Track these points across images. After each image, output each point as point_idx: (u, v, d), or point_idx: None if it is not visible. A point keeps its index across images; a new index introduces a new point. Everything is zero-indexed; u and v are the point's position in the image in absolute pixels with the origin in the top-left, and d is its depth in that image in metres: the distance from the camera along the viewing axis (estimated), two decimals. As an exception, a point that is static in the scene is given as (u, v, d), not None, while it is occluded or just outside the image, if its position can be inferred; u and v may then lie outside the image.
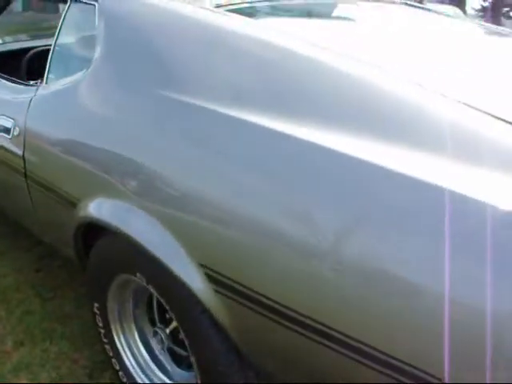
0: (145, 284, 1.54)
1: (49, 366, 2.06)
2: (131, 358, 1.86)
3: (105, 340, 1.88)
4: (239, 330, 1.32)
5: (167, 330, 1.71)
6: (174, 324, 1.68)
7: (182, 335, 1.66)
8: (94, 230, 1.73)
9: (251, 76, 1.46)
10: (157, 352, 1.86)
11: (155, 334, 1.76)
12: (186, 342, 1.48)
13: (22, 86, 2.17)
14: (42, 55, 2.85)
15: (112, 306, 1.82)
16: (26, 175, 1.98)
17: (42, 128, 1.90)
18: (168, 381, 1.81)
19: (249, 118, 1.30)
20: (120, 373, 1.87)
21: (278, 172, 1.21)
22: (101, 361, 2.08)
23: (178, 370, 1.80)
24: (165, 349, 1.77)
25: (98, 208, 1.59)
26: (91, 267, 1.78)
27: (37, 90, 2.01)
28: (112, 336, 1.86)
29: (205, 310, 1.38)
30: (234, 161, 1.30)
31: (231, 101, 1.39)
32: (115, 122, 1.62)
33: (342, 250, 1.09)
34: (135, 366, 1.85)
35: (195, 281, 1.34)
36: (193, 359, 1.49)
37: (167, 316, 1.72)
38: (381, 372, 1.05)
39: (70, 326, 2.27)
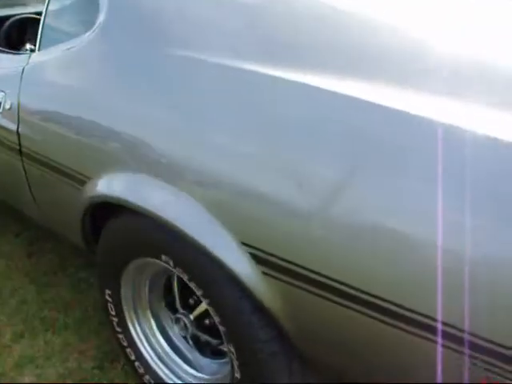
0: (170, 267, 1.40)
1: (55, 359, 1.91)
2: (148, 348, 1.72)
3: (118, 329, 1.74)
4: (290, 314, 1.20)
5: (191, 316, 1.58)
6: (200, 310, 1.55)
7: (209, 321, 1.55)
8: (105, 211, 1.57)
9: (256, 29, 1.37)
10: (176, 340, 1.73)
11: (177, 320, 1.62)
12: (222, 330, 1.35)
13: (9, 55, 1.96)
14: (22, 23, 2.64)
15: (126, 292, 1.67)
16: (21, 153, 1.79)
17: (39, 99, 1.72)
18: (190, 370, 1.68)
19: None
20: (136, 363, 1.73)
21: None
22: (110, 351, 1.94)
23: (201, 358, 1.68)
24: (188, 336, 1.64)
25: (113, 185, 1.43)
26: (102, 251, 1.63)
27: (29, 58, 1.81)
28: (126, 325, 1.72)
29: (246, 295, 1.25)
30: (274, 122, 1.17)
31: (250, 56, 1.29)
32: (130, 85, 1.45)
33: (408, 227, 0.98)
34: (153, 355, 1.72)
35: (237, 262, 1.21)
36: (230, 348, 1.36)
37: (191, 301, 1.59)
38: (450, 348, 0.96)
39: (72, 314, 2.11)
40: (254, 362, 1.33)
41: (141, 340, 1.72)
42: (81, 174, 1.55)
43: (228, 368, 1.53)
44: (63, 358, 1.91)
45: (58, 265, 2.40)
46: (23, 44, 2.48)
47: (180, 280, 1.58)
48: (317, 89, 1.14)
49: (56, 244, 2.52)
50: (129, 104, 1.43)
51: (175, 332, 1.72)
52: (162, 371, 1.70)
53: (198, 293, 1.36)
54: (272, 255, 1.16)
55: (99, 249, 1.64)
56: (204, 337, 1.59)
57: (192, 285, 1.37)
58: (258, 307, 1.27)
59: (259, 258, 1.18)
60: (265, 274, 1.19)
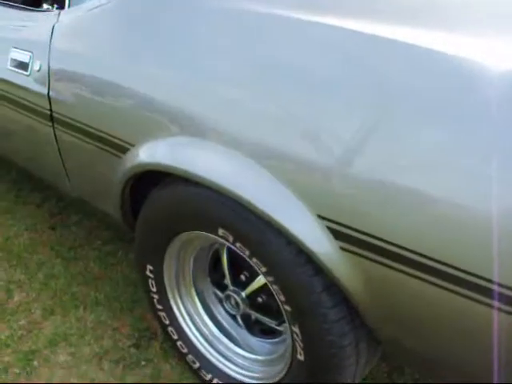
0: (228, 242, 1.29)
1: (89, 337, 1.81)
2: (192, 326, 1.63)
3: (159, 306, 1.64)
4: (368, 290, 1.10)
5: (243, 294, 1.48)
6: (253, 287, 1.45)
7: (263, 299, 1.45)
8: (148, 181, 1.45)
9: None
10: (221, 319, 1.63)
11: (227, 298, 1.52)
12: (287, 310, 1.25)
13: (34, 13, 1.81)
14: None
15: (169, 268, 1.56)
16: (52, 118, 1.66)
17: (72, 60, 1.58)
18: (239, 350, 1.59)
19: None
20: (179, 342, 1.64)
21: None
22: (145, 328, 1.85)
23: (251, 338, 1.58)
24: (238, 315, 1.54)
25: (165, 153, 1.30)
26: (145, 224, 1.51)
27: (58, 15, 1.67)
28: (168, 302, 1.62)
29: (318, 272, 1.15)
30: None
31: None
32: (178, 40, 1.32)
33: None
34: (197, 334, 1.63)
35: (313, 237, 1.10)
36: (293, 328, 1.26)
37: (242, 278, 1.48)
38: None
39: (102, 289, 2.02)
40: (320, 344, 1.23)
41: (184, 318, 1.63)
42: (123, 141, 1.43)
43: (283, 348, 1.44)
44: (97, 336, 1.82)
45: (84, 238, 2.29)
46: (39, 3, 2.32)
47: (232, 255, 1.48)
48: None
49: (80, 216, 2.41)
50: (174, 69, 1.31)
51: (222, 310, 1.63)
52: (207, 351, 1.61)
53: (261, 270, 1.25)
54: (351, 228, 1.06)
55: (140, 221, 1.53)
56: (257, 316, 1.49)
57: (254, 261, 1.26)
58: (329, 285, 1.18)
59: (337, 232, 1.08)
60: (343, 249, 1.09)
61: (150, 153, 1.35)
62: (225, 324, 1.62)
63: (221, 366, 1.58)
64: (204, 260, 1.60)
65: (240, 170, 1.16)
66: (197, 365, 1.62)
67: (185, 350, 1.63)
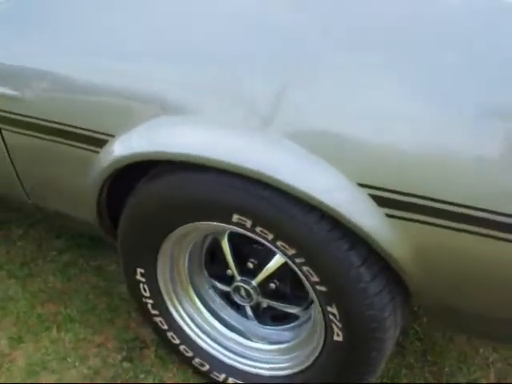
0: (244, 229, 1.16)
1: (71, 358, 1.61)
2: (195, 328, 1.49)
3: (154, 312, 1.48)
4: (415, 255, 1.03)
5: (254, 283, 1.36)
6: (265, 273, 1.33)
7: (276, 285, 1.34)
8: (128, 176, 1.29)
9: None
10: (224, 315, 1.50)
11: (236, 290, 1.39)
12: (322, 290, 1.14)
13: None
14: None
15: (164, 268, 1.41)
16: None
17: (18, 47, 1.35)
18: (251, 343, 1.47)
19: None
20: (182, 347, 1.49)
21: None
22: (132, 338, 1.68)
23: (260, 328, 1.47)
24: (250, 305, 1.41)
25: (160, 139, 1.14)
26: (132, 224, 1.34)
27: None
28: (165, 305, 1.46)
29: (354, 245, 1.07)
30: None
31: None
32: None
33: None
34: (202, 335, 1.49)
35: (354, 207, 1.01)
36: (329, 309, 1.16)
37: (250, 266, 1.36)
38: None
39: (72, 304, 1.80)
40: (361, 321, 1.15)
41: (185, 320, 1.48)
42: (100, 133, 1.24)
43: (305, 331, 1.35)
44: (81, 356, 1.62)
45: (35, 251, 2.04)
46: None
47: (234, 244, 1.35)
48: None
49: (24, 228, 2.15)
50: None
51: (225, 305, 1.50)
52: (216, 351, 1.47)
53: (288, 253, 1.14)
54: (396, 192, 0.98)
55: (125, 221, 1.35)
56: (273, 304, 1.37)
57: (279, 245, 1.14)
58: (367, 258, 1.10)
59: (381, 199, 0.99)
60: (389, 216, 1.00)
61: (139, 142, 1.18)
62: (230, 319, 1.50)
63: (235, 363, 1.45)
64: (198, 254, 1.46)
65: (266, 147, 1.04)
66: (206, 367, 1.48)
67: (190, 354, 1.49)
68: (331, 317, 1.18)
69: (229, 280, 1.41)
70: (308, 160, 1.00)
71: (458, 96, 0.92)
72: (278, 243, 1.14)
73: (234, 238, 1.35)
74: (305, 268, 1.14)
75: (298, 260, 1.14)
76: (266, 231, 1.14)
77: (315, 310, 1.25)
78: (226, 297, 1.49)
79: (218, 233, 1.36)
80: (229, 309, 1.50)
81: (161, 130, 1.14)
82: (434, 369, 1.59)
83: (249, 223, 1.15)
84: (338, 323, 1.17)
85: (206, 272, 1.47)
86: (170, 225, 1.28)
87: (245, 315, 1.48)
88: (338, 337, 1.20)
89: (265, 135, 1.03)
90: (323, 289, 1.14)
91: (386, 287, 1.14)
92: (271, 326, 1.46)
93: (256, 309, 1.44)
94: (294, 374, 1.37)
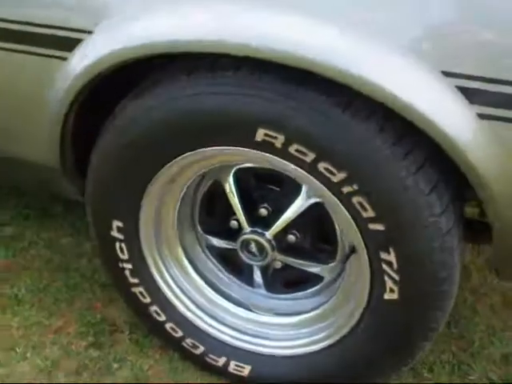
0: (271, 151, 0.87)
1: (21, 349, 1.25)
2: (185, 299, 1.17)
3: (133, 280, 1.14)
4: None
5: (268, 235, 1.06)
6: (283, 222, 1.03)
7: (296, 236, 1.05)
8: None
9: None
10: (220, 282, 1.20)
11: (244, 245, 1.08)
12: (377, 229, 0.86)
13: None
14: None
15: (148, 219, 1.09)
16: None
17: None
18: (250, 315, 1.17)
19: None
20: (168, 325, 1.17)
21: None
22: (99, 320, 1.35)
23: (267, 299, 1.17)
24: (262, 265, 1.11)
25: (164, 22, 0.83)
26: (109, 157, 1.01)
27: None
28: (147, 270, 1.14)
29: (422, 166, 0.82)
30: None
31: None
32: None
33: None
34: (194, 308, 1.17)
35: (436, 104, 0.74)
36: (385, 256, 0.88)
37: (263, 213, 1.06)
38: None
39: (19, 282, 1.44)
40: (425, 269, 0.87)
41: (173, 290, 1.16)
42: (72, 30, 0.91)
43: (336, 294, 1.07)
44: (34, 345, 1.27)
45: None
46: None
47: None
48: None
49: None
50: None
51: (219, 270, 1.20)
52: (213, 328, 1.16)
53: (336, 179, 0.85)
54: (495, 81, 0.72)
55: (99, 156, 1.03)
56: (293, 261, 1.08)
57: (321, 168, 0.85)
58: (438, 182, 0.83)
59: (474, 93, 0.73)
60: (481, 117, 0.74)
61: (139, 30, 0.86)
62: (230, 289, 1.19)
63: (238, 343, 1.15)
64: (191, 203, 1.14)
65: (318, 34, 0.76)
66: (200, 349, 1.16)
67: (179, 334, 1.17)
68: (385, 267, 0.89)
69: (232, 235, 1.11)
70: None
71: None
72: (320, 166, 0.85)
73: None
74: (355, 200, 0.86)
75: (346, 189, 0.85)
76: (304, 150, 0.85)
77: (351, 266, 0.98)
78: (225, 259, 1.19)
79: (221, 171, 1.05)
80: (229, 275, 1.19)
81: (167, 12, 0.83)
82: (461, 343, 1.36)
83: (280, 140, 0.85)
84: (393, 275, 0.89)
85: (199, 228, 1.16)
86: (165, 155, 0.97)
87: (248, 282, 1.18)
88: (392, 294, 0.91)
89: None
90: (379, 227, 0.86)
91: (456, 223, 0.88)
92: (285, 293, 1.16)
93: (264, 273, 1.15)
94: (317, 352, 1.08)
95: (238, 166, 1.04)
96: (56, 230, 1.64)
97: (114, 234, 1.10)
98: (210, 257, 1.19)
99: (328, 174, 0.86)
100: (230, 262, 1.19)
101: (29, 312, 1.35)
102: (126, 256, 1.12)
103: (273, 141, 0.86)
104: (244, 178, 1.06)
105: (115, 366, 1.23)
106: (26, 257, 1.54)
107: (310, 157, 0.85)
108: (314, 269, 1.09)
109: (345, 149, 0.83)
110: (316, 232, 1.06)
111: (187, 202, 1.13)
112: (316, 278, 1.12)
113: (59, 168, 1.12)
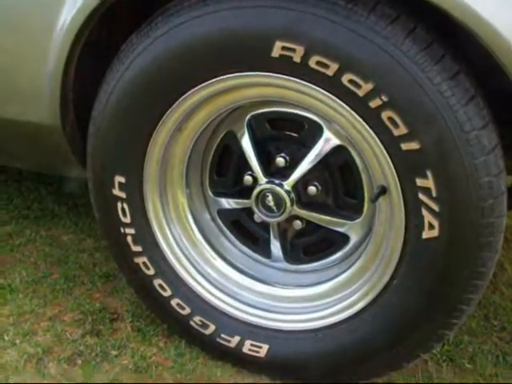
0: (291, 65, 0.78)
1: (9, 336, 1.12)
2: (193, 271, 1.04)
3: (136, 248, 1.03)
4: None
5: (285, 185, 0.94)
6: (303, 168, 0.92)
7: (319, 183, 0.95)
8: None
9: None
10: (233, 252, 1.07)
11: (260, 199, 0.95)
12: (410, 150, 0.75)
13: None
14: None
15: (153, 174, 0.98)
16: None
17: None
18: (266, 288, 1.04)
19: None
20: (174, 300, 1.04)
21: None
22: (99, 309, 1.23)
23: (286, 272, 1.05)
24: (281, 220, 0.97)
25: None
26: (118, 98, 0.92)
27: None
28: (152, 236, 1.02)
29: (458, 72, 0.74)
30: None
31: None
32: None
33: None
34: (203, 281, 1.04)
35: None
36: (421, 182, 0.76)
37: (280, 163, 0.95)
38: None
39: (11, 272, 1.33)
40: (470, 196, 0.76)
41: (178, 259, 1.04)
42: None
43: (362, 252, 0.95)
44: (24, 332, 1.14)
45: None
46: None
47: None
48: None
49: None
50: None
51: (232, 239, 1.08)
52: (225, 304, 1.03)
53: (363, 92, 0.75)
54: None
55: (101, 103, 0.94)
56: (317, 216, 0.95)
57: (347, 80, 0.75)
58: (477, 91, 0.74)
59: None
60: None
61: None
62: (243, 260, 1.07)
63: (255, 319, 1.01)
64: (199, 162, 1.04)
65: None
66: (211, 328, 1.03)
67: (186, 311, 1.04)
68: (422, 197, 0.77)
69: (246, 195, 1.00)
70: None
71: None
72: (345, 79, 0.75)
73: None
74: (385, 116, 0.75)
75: (374, 103, 0.75)
76: (326, 61, 0.75)
77: (380, 212, 0.86)
78: (238, 227, 1.07)
79: (234, 121, 0.96)
80: (242, 246, 1.07)
81: None
82: (504, 334, 1.21)
83: (299, 53, 0.76)
84: (432, 205, 0.77)
85: (210, 191, 1.05)
86: (174, 90, 0.88)
87: (265, 253, 1.06)
88: (431, 231, 0.79)
89: None
90: (414, 146, 0.75)
91: (499, 145, 0.77)
92: (306, 263, 1.03)
93: (283, 240, 1.03)
94: (346, 321, 0.93)
95: (252, 113, 0.95)
96: (57, 228, 1.54)
97: (116, 192, 0.99)
98: (222, 225, 1.07)
99: (353, 88, 0.76)
100: (244, 233, 1.07)
101: (22, 301, 1.23)
102: (128, 219, 1.01)
103: (291, 54, 0.77)
104: (259, 127, 0.97)
105: (114, 353, 1.09)
106: (24, 252, 1.43)
107: (332, 69, 0.76)
108: (339, 227, 0.96)
109: (370, 55, 0.74)
110: (339, 184, 0.95)
111: (196, 161, 1.03)
112: (340, 242, 0.99)
113: (59, 127, 1.03)
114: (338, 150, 0.91)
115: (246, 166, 0.98)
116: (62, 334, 1.14)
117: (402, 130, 0.75)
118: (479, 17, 0.68)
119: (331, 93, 0.78)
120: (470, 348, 1.16)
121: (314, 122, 0.91)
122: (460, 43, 0.76)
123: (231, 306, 1.03)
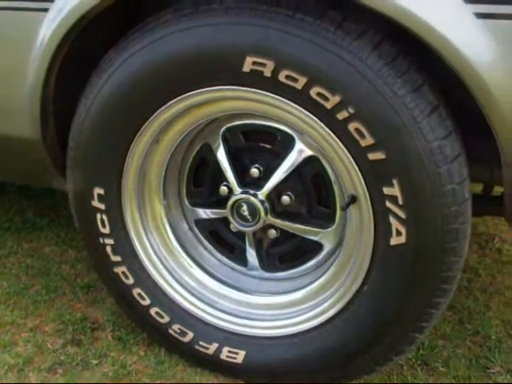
0: (260, 80, 0.81)
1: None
2: (171, 280, 1.06)
3: (115, 258, 1.05)
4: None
5: (260, 195, 0.97)
6: (276, 179, 0.95)
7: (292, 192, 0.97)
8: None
9: None
10: (210, 261, 1.10)
11: (235, 209, 0.98)
12: (377, 160, 0.78)
13: None
14: None
15: (131, 185, 1.01)
16: None
17: None
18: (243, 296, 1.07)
19: None
20: (153, 309, 1.06)
21: None
22: (79, 319, 1.23)
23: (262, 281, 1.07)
24: (255, 230, 1.00)
25: None
26: (98, 111, 0.95)
27: None
28: (131, 246, 1.05)
29: (422, 83, 0.78)
30: None
31: None
32: None
33: None
34: (181, 290, 1.07)
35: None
36: (388, 190, 0.79)
37: (255, 174, 0.98)
38: None
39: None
40: (434, 203, 0.79)
41: (157, 269, 1.06)
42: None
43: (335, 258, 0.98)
44: (5, 343, 1.15)
45: None
46: None
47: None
48: None
49: None
50: None
51: (209, 248, 1.10)
52: (203, 311, 1.05)
53: (330, 105, 0.78)
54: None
55: (80, 116, 0.97)
56: (289, 225, 0.98)
57: (315, 93, 0.78)
58: (440, 100, 0.77)
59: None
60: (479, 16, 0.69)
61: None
62: (220, 269, 1.09)
63: (233, 326, 1.03)
64: (176, 173, 1.06)
65: None
66: (189, 336, 1.05)
67: (165, 319, 1.06)
68: (389, 205, 0.81)
69: (221, 205, 1.02)
70: None
71: None
72: (313, 92, 0.79)
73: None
74: (352, 127, 0.79)
75: (341, 115, 0.79)
76: (295, 75, 0.79)
77: (351, 221, 0.90)
78: (215, 237, 1.10)
79: (210, 133, 0.99)
80: (219, 255, 1.10)
81: None
82: (477, 338, 1.24)
83: (269, 68, 0.80)
84: (399, 213, 0.80)
85: (187, 201, 1.08)
86: (149, 105, 0.91)
87: (241, 263, 1.09)
88: (399, 237, 0.82)
89: None
90: (380, 155, 0.78)
91: (462, 154, 0.80)
92: (282, 271, 1.06)
93: (258, 248, 1.05)
94: (321, 326, 0.96)
95: (226, 125, 0.98)
96: (39, 239, 1.55)
97: (95, 203, 1.02)
98: (199, 235, 1.10)
99: (321, 101, 0.79)
100: (221, 242, 1.10)
101: (3, 312, 1.25)
102: (107, 230, 1.03)
103: (262, 69, 0.80)
104: (233, 140, 1.00)
105: (94, 362, 1.10)
106: (6, 264, 1.44)
107: (301, 82, 0.79)
108: (313, 236, 0.99)
109: (337, 69, 0.77)
110: (311, 194, 0.98)
111: (174, 173, 1.06)
112: (314, 251, 1.02)
113: (40, 140, 1.05)
114: (310, 160, 0.95)
115: (221, 176, 1.01)
116: (42, 345, 1.15)
117: (368, 140, 0.79)
118: (437, 33, 0.72)
119: (301, 105, 0.82)
120: (444, 352, 1.19)
121: (287, 133, 0.94)
122: (427, 54, 0.79)
123: (209, 313, 1.05)
